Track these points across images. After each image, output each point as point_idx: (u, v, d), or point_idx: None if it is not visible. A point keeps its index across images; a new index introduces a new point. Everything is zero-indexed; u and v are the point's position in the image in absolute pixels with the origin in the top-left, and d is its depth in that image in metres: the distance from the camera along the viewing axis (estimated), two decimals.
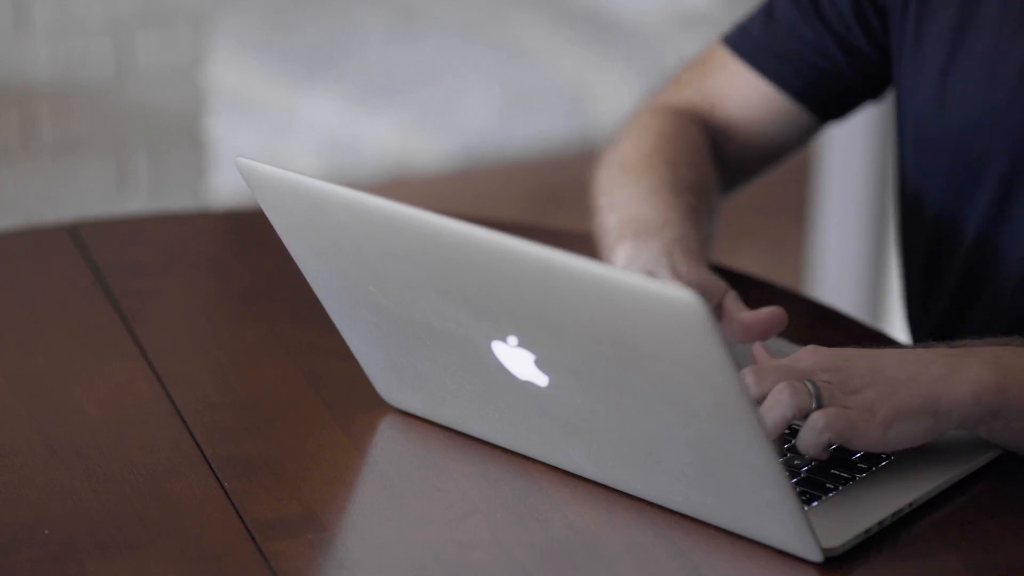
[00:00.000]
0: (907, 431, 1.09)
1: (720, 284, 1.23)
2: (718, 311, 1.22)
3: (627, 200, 1.35)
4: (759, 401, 1.09)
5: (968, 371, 1.10)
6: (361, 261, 1.10)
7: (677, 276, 1.23)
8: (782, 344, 1.29)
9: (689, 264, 1.25)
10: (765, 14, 1.46)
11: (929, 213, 1.42)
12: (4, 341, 1.35)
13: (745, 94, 1.47)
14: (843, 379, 1.09)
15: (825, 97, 1.46)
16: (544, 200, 3.74)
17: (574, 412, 1.08)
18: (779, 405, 1.08)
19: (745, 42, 1.47)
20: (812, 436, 1.07)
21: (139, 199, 2.65)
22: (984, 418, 1.11)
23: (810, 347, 1.12)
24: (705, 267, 1.26)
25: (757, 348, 1.20)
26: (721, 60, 1.48)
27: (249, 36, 4.47)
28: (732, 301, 1.22)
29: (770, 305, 1.22)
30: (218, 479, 1.14)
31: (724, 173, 1.47)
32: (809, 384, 1.08)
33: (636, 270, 1.25)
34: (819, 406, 1.08)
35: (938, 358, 1.11)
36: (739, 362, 0.98)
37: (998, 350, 1.13)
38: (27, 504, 1.11)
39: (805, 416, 1.08)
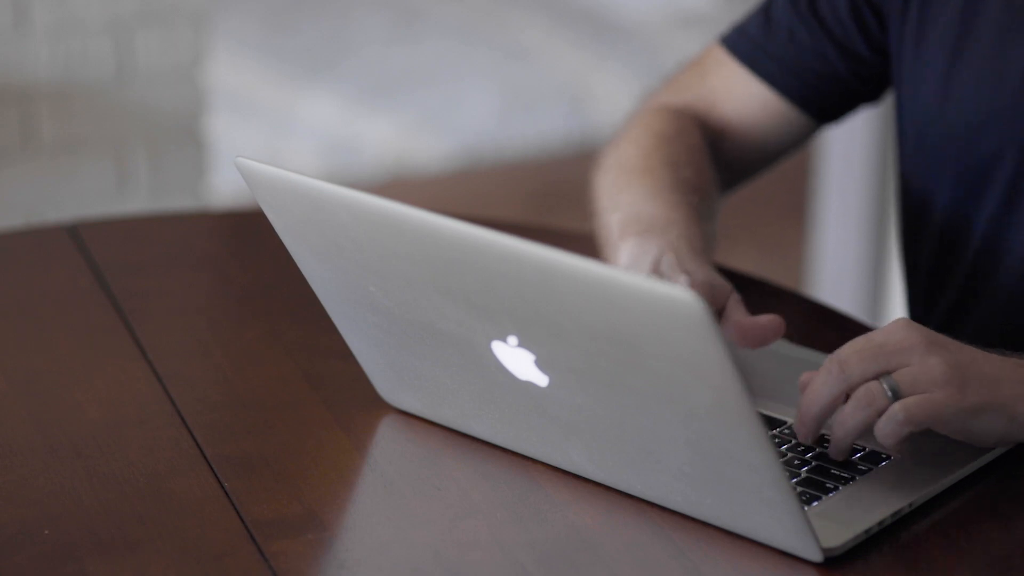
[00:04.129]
0: (989, 425, 1.10)
1: (726, 286, 1.23)
2: (720, 313, 1.22)
3: (629, 200, 1.35)
4: (849, 392, 1.09)
5: None
6: (361, 261, 1.10)
7: (685, 273, 1.22)
8: (783, 344, 1.29)
9: (696, 263, 1.24)
10: (763, 15, 1.46)
11: (933, 215, 1.42)
12: (4, 341, 1.35)
13: (742, 96, 1.47)
14: (942, 351, 1.09)
15: (822, 100, 1.46)
16: (544, 200, 3.75)
17: (574, 412, 1.08)
18: (859, 412, 1.08)
19: (743, 44, 1.47)
20: (890, 426, 1.08)
21: (139, 199, 2.66)
22: None
23: (901, 320, 1.12)
24: (710, 267, 1.26)
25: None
26: (719, 61, 1.48)
27: (249, 36, 4.47)
28: (734, 304, 1.22)
29: (770, 306, 1.22)
30: (218, 479, 1.14)
31: (722, 173, 1.47)
32: (884, 384, 1.08)
33: (641, 268, 1.24)
34: (896, 398, 1.08)
35: (1017, 367, 1.12)
36: (738, 362, 0.98)
37: None
38: (27, 504, 1.11)
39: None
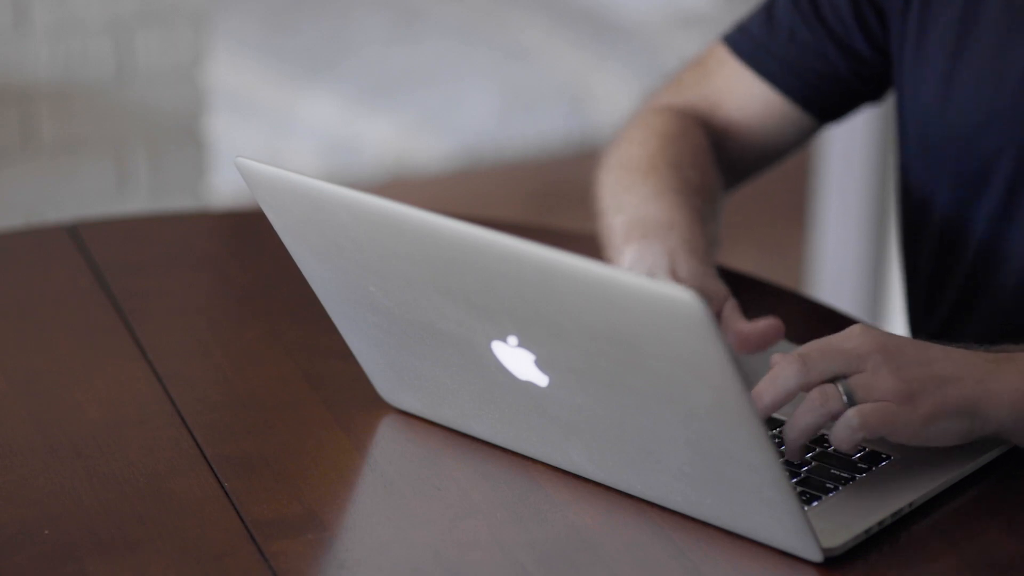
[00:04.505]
0: (945, 429, 1.09)
1: (721, 290, 1.23)
2: (717, 319, 1.22)
3: (633, 202, 1.34)
4: (805, 389, 1.09)
5: (1009, 380, 1.10)
6: (361, 261, 1.10)
7: (676, 279, 1.22)
8: (783, 344, 1.28)
9: (692, 266, 1.24)
10: (765, 14, 1.46)
11: (934, 215, 1.42)
12: (4, 341, 1.35)
13: (745, 96, 1.47)
14: (894, 361, 1.08)
15: (824, 100, 1.46)
16: (544, 200, 3.74)
17: (574, 412, 1.08)
18: (810, 413, 1.08)
19: (745, 43, 1.47)
20: (845, 432, 1.07)
21: (139, 199, 2.66)
22: (1019, 426, 1.11)
23: (858, 326, 1.11)
24: (710, 270, 1.26)
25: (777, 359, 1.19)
26: (721, 61, 1.48)
27: (249, 36, 4.46)
28: (730, 310, 1.22)
29: (770, 306, 1.22)
30: (218, 479, 1.14)
31: (724, 173, 1.47)
32: (840, 387, 1.08)
33: (640, 271, 1.24)
34: (851, 403, 1.08)
35: (981, 362, 1.11)
36: (738, 362, 0.98)
37: None
38: (27, 504, 1.11)
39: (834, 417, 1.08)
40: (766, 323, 1.20)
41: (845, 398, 1.07)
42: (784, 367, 1.09)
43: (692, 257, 1.26)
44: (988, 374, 1.10)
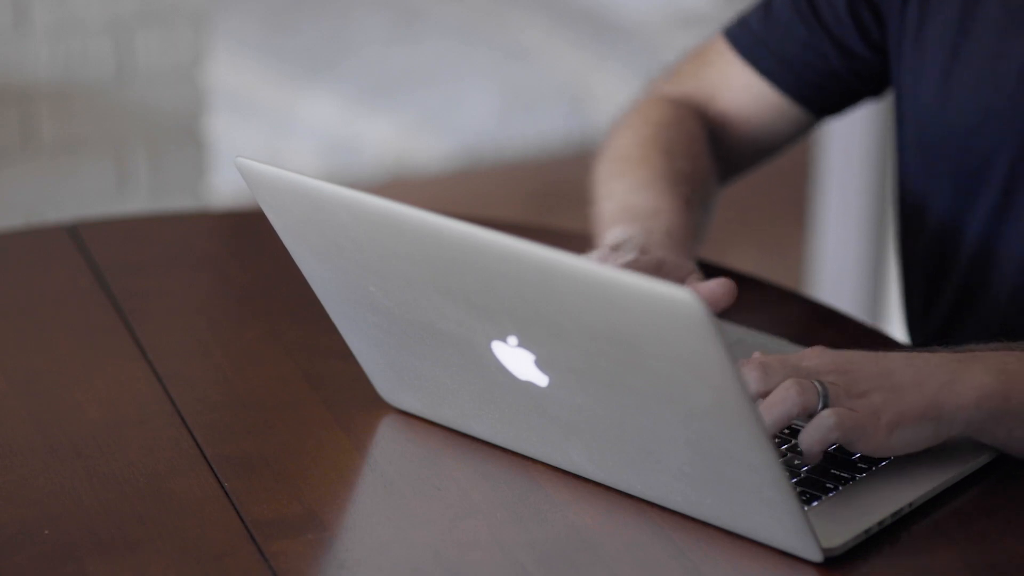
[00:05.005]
0: (910, 436, 1.09)
1: (685, 266, 1.23)
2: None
3: (622, 189, 1.36)
4: (763, 396, 1.09)
5: (972, 378, 1.10)
6: (361, 261, 1.10)
7: (641, 253, 1.21)
8: (783, 344, 1.29)
9: (666, 250, 1.24)
10: (764, 9, 1.47)
11: (931, 215, 1.42)
12: (4, 341, 1.35)
13: (741, 89, 1.47)
14: (849, 381, 1.09)
15: (821, 96, 1.46)
16: (544, 200, 3.74)
17: (574, 412, 1.08)
18: (785, 402, 1.07)
19: (744, 37, 1.47)
20: (819, 433, 1.07)
21: (139, 199, 2.66)
22: (987, 424, 1.10)
23: (817, 348, 1.12)
24: (683, 255, 1.26)
25: (757, 356, 1.19)
26: (720, 53, 1.49)
27: (249, 36, 4.46)
28: (692, 280, 1.22)
29: (770, 306, 1.22)
30: (218, 479, 1.14)
31: (722, 164, 1.48)
32: (817, 384, 1.08)
33: (604, 255, 1.24)
34: (825, 406, 1.08)
35: (944, 363, 1.10)
36: (738, 362, 0.98)
37: (1003, 355, 1.12)
38: (27, 504, 1.11)
39: (808, 416, 1.08)
40: (716, 281, 1.19)
41: (821, 403, 1.07)
42: (745, 371, 1.09)
43: (667, 240, 1.26)
44: (953, 374, 1.09)
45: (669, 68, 1.54)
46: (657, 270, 1.20)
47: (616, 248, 1.23)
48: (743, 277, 1.41)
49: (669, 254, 1.24)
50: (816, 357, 1.11)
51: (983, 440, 1.12)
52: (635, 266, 1.19)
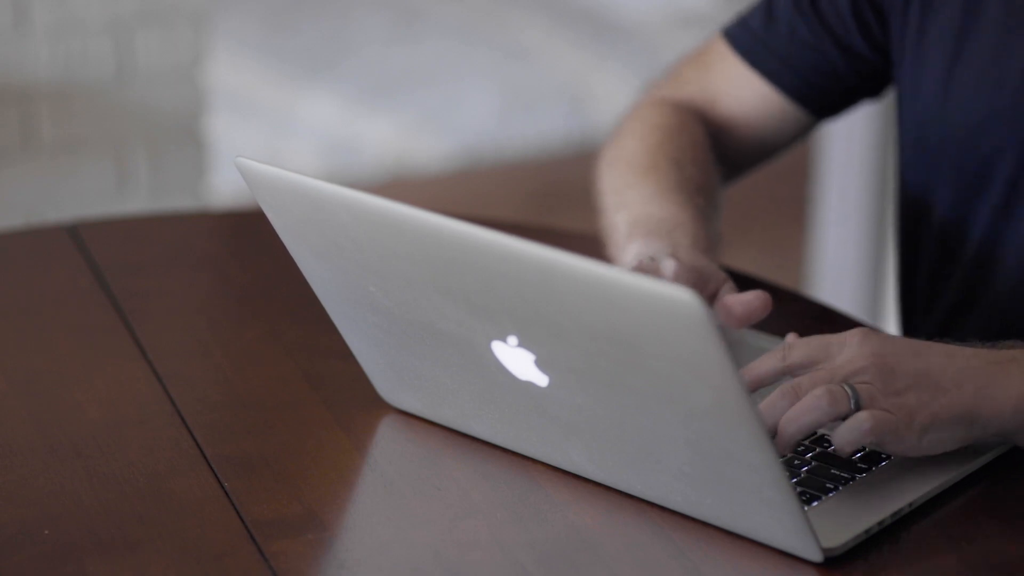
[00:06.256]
0: (942, 438, 1.09)
1: (719, 274, 1.23)
2: (714, 300, 1.21)
3: (636, 200, 1.34)
4: (794, 371, 1.09)
5: (1011, 384, 1.09)
6: (361, 261, 1.10)
7: (676, 259, 1.21)
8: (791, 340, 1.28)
9: (693, 254, 1.24)
10: (766, 10, 1.46)
11: (933, 215, 1.42)
12: (4, 341, 1.35)
13: (743, 91, 1.47)
14: (886, 379, 1.08)
15: (823, 97, 1.46)
16: (544, 200, 3.74)
17: (574, 412, 1.08)
18: (815, 411, 1.06)
19: (744, 38, 1.47)
20: (853, 435, 1.06)
21: (139, 199, 2.66)
22: (1021, 428, 1.10)
23: (858, 331, 1.10)
24: (712, 261, 1.26)
25: (791, 337, 1.19)
26: (721, 55, 1.48)
27: (249, 36, 4.46)
28: (727, 289, 1.22)
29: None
30: (218, 479, 1.14)
31: (723, 167, 1.47)
32: (848, 389, 1.07)
33: (643, 257, 1.24)
34: (858, 407, 1.07)
35: (982, 366, 1.09)
36: (738, 362, 0.98)
37: None
38: (27, 504, 1.11)
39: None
40: (752, 294, 1.19)
41: (853, 404, 1.07)
42: (767, 355, 1.11)
43: (694, 249, 1.26)
44: (991, 379, 1.09)
45: (669, 70, 1.53)
46: (699, 280, 1.20)
47: (653, 259, 1.22)
48: (743, 277, 1.41)
49: (705, 262, 1.23)
50: (856, 346, 1.09)
51: (1015, 442, 1.12)
52: (678, 278, 1.19)
